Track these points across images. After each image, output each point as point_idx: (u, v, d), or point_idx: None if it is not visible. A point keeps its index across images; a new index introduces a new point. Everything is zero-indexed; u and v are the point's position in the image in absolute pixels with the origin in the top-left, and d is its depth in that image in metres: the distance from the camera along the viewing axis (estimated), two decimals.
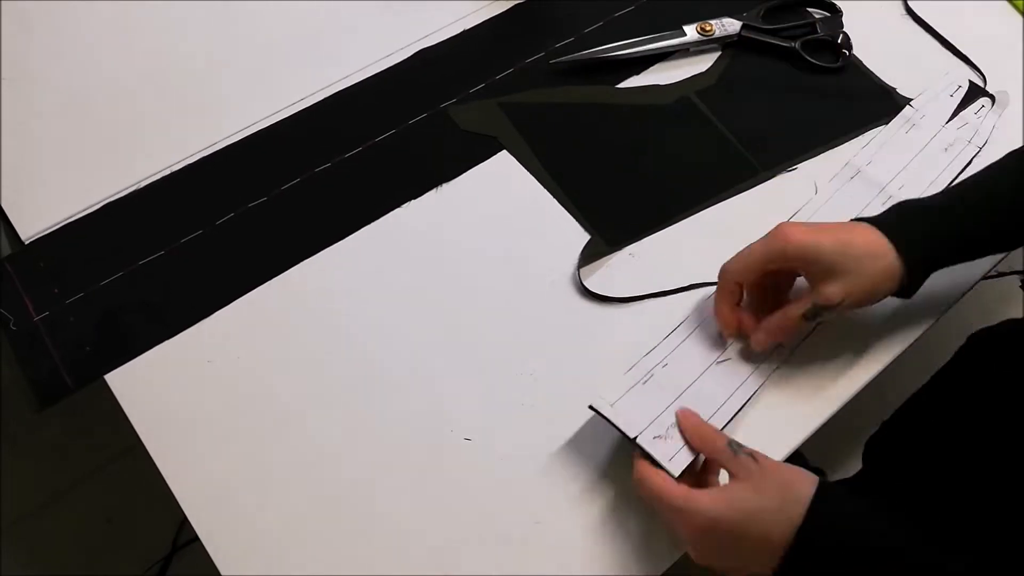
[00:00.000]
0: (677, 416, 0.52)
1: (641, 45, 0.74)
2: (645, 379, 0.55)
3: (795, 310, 0.53)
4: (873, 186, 0.66)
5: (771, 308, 0.55)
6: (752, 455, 0.48)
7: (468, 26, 0.76)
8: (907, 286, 0.54)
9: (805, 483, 0.46)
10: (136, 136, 0.68)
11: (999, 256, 0.62)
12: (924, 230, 0.53)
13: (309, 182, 0.66)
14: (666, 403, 0.54)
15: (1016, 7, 0.80)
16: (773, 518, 0.45)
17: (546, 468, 0.55)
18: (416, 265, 0.62)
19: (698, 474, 0.51)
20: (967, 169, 0.67)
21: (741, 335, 0.57)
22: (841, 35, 0.76)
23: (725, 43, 0.76)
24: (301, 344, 0.59)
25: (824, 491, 0.45)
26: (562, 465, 0.55)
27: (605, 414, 0.52)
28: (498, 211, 0.65)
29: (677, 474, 0.49)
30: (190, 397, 0.56)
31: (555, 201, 0.66)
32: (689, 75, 0.74)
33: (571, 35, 0.76)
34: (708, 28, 0.75)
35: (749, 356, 0.57)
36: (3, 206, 0.64)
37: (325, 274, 0.62)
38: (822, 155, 0.69)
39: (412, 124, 0.70)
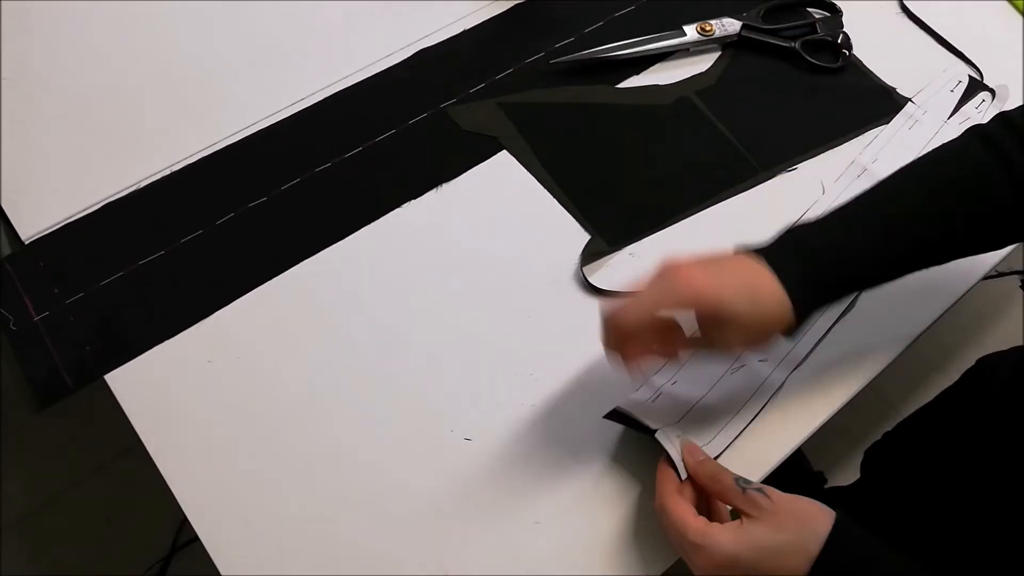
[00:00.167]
0: (683, 452, 0.51)
1: (641, 45, 0.74)
2: (654, 397, 0.55)
3: (680, 357, 0.54)
4: None
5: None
6: (761, 490, 0.47)
7: (468, 26, 0.76)
8: (793, 328, 0.49)
9: (822, 518, 0.46)
10: (136, 136, 0.68)
11: (999, 256, 0.62)
12: (811, 271, 0.49)
13: (309, 182, 0.66)
14: (675, 420, 0.54)
15: (1016, 7, 0.80)
16: (791, 552, 0.45)
17: (546, 468, 0.55)
18: (416, 265, 0.62)
19: (708, 498, 0.51)
20: None
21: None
22: (841, 35, 0.76)
23: (725, 43, 0.76)
24: (301, 344, 0.59)
25: (840, 527, 0.45)
26: (562, 465, 0.55)
27: (628, 410, 0.53)
28: (498, 211, 0.65)
29: (685, 476, 0.50)
30: (190, 397, 0.56)
31: (555, 201, 0.66)
32: (689, 75, 0.74)
33: (571, 35, 0.76)
34: (708, 28, 0.75)
35: (758, 368, 0.57)
36: (3, 206, 0.64)
37: (325, 274, 0.62)
38: (824, 155, 0.69)
39: (412, 124, 0.70)
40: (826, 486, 1.06)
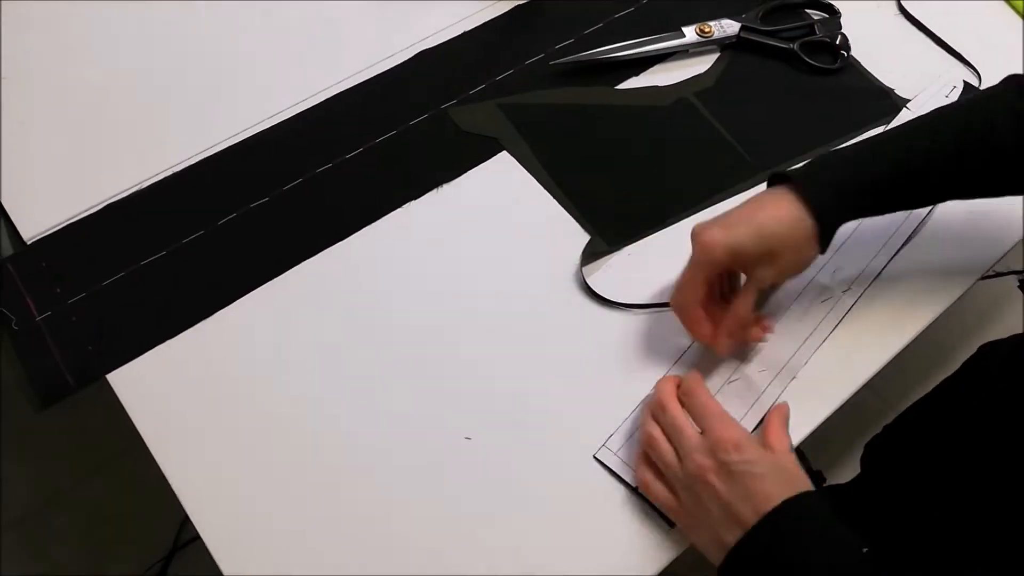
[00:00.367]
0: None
1: (640, 46, 0.74)
2: None
3: (742, 306, 0.55)
4: None
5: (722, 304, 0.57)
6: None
7: (468, 27, 0.76)
8: (821, 243, 0.54)
9: (803, 483, 0.49)
10: (138, 136, 0.68)
11: (997, 256, 0.63)
12: (834, 185, 0.54)
13: (310, 183, 0.66)
14: None
15: (1014, 7, 0.80)
16: (778, 481, 0.48)
17: (546, 468, 0.55)
18: (416, 265, 0.63)
19: None
20: None
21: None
22: (839, 36, 0.76)
23: (724, 44, 0.76)
24: (301, 344, 0.59)
25: (810, 496, 0.48)
26: (562, 465, 0.55)
27: (610, 465, 0.55)
28: (498, 211, 0.65)
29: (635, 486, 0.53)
30: (192, 397, 0.57)
31: (555, 201, 0.66)
32: (688, 76, 0.74)
33: (571, 36, 0.76)
34: (707, 29, 0.75)
35: (756, 377, 0.58)
36: (5, 206, 0.64)
37: (325, 275, 0.62)
38: None
39: (412, 125, 0.70)
40: (825, 484, 1.06)
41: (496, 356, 0.59)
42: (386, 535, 0.53)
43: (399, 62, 0.73)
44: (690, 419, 0.52)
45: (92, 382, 0.57)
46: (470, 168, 0.67)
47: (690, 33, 0.75)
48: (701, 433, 0.51)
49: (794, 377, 0.58)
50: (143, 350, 0.58)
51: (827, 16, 0.78)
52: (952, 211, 0.66)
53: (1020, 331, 0.68)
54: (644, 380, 0.58)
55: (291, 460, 0.55)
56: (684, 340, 0.59)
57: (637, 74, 0.74)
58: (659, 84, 0.73)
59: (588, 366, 0.59)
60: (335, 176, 0.67)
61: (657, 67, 0.74)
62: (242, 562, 0.51)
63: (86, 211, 0.64)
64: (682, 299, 0.55)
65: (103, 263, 0.62)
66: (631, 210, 0.66)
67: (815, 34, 0.76)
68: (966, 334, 0.77)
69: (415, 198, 0.66)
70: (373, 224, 0.64)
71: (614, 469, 0.54)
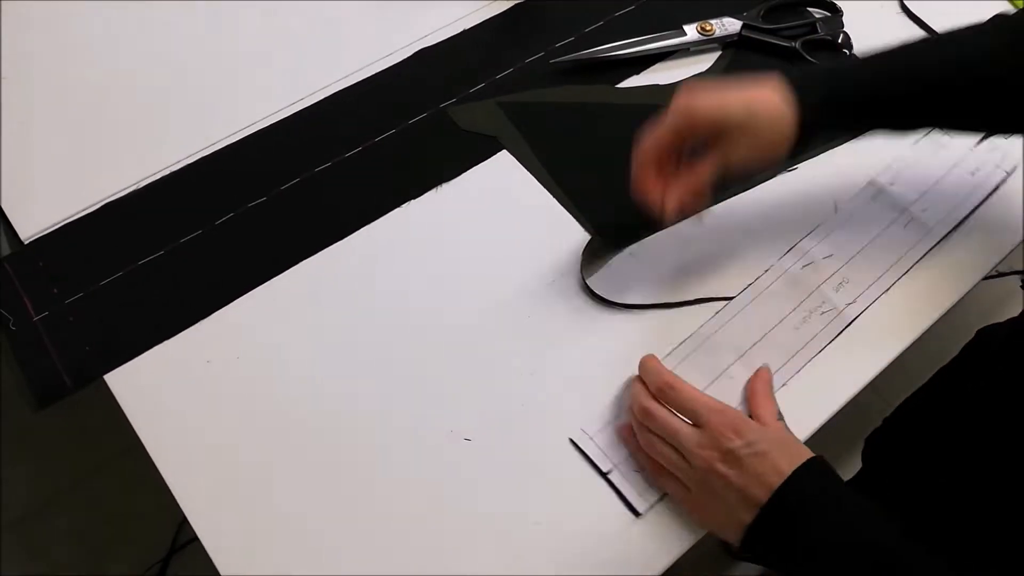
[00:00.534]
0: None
1: (641, 45, 0.74)
2: None
3: (703, 171, 0.53)
4: (894, 208, 0.65)
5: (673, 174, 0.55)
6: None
7: (468, 26, 0.76)
8: (793, 147, 0.53)
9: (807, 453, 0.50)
10: (136, 136, 0.68)
11: (999, 256, 0.62)
12: (826, 91, 0.53)
13: (309, 182, 0.66)
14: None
15: (1016, 6, 0.80)
16: (782, 447, 0.49)
17: (546, 468, 0.55)
18: (416, 265, 0.62)
19: None
20: (993, 194, 0.66)
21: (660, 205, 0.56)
22: (841, 35, 0.76)
23: (725, 43, 0.76)
24: (300, 344, 0.59)
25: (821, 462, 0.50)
26: (562, 465, 0.55)
27: (583, 447, 0.55)
28: (498, 211, 0.65)
29: (642, 511, 0.53)
30: (189, 397, 0.56)
31: (555, 201, 0.66)
32: (689, 75, 0.74)
33: (571, 35, 0.75)
34: (708, 28, 0.75)
35: (748, 372, 0.57)
36: (3, 206, 0.64)
37: (325, 274, 0.62)
38: (839, 168, 0.68)
39: (412, 124, 0.70)
40: None
41: (496, 356, 0.59)
42: (384, 535, 0.52)
43: (398, 61, 0.73)
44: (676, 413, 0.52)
45: (90, 383, 0.57)
46: (470, 167, 0.67)
47: (691, 31, 0.74)
48: (693, 425, 0.51)
49: (795, 375, 0.58)
50: (141, 350, 0.58)
51: (829, 14, 0.77)
52: (953, 212, 0.65)
53: None
54: None
55: (289, 460, 0.54)
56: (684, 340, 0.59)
57: (638, 72, 0.74)
58: (660, 83, 0.73)
59: (588, 366, 0.58)
60: (334, 175, 0.66)
61: (658, 66, 0.74)
62: (240, 563, 0.51)
63: (84, 211, 0.64)
64: (643, 154, 0.54)
65: (101, 263, 0.61)
66: (632, 209, 0.66)
67: (817, 32, 0.76)
68: (968, 334, 0.77)
69: (414, 197, 0.66)
70: (372, 224, 0.64)
71: (588, 453, 0.55)
